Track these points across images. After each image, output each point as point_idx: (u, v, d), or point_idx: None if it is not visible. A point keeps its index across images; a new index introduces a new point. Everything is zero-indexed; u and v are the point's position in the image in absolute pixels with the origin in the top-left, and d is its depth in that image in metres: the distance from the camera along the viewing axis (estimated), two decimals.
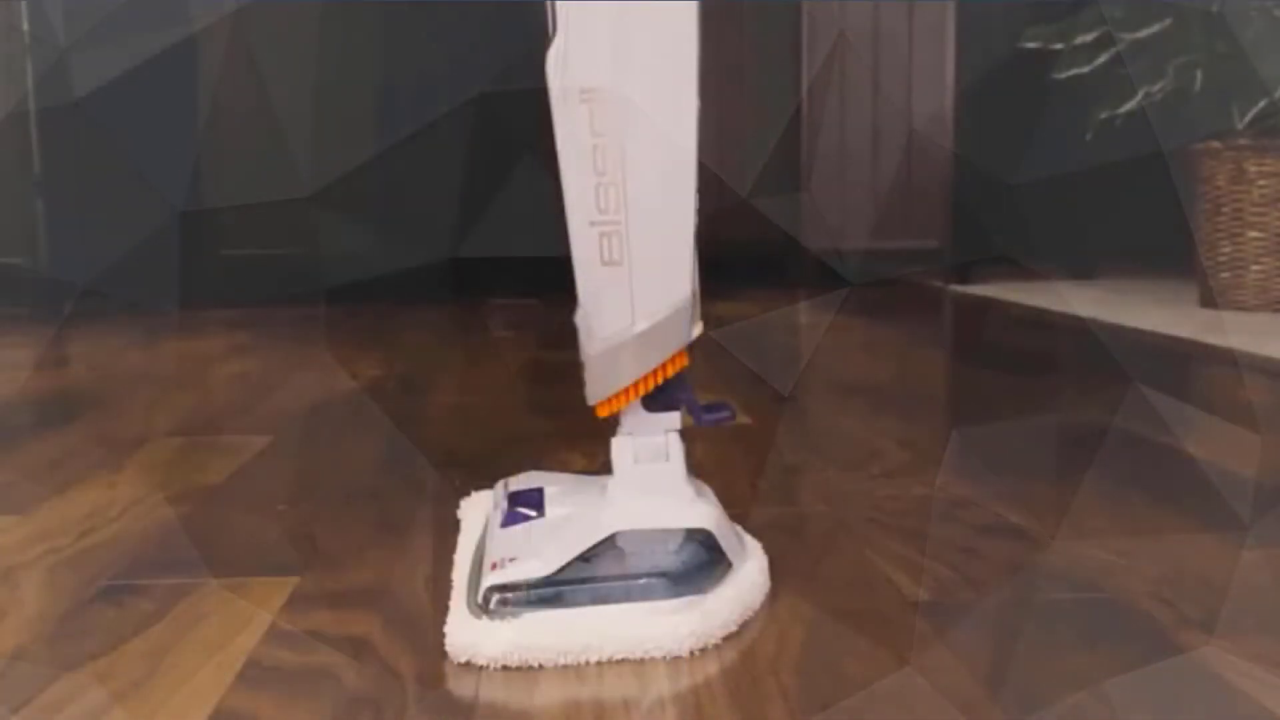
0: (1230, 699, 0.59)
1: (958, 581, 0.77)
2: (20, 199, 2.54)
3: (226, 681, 0.62)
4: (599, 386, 0.73)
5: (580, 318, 0.73)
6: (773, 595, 0.74)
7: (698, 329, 0.74)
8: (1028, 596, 0.74)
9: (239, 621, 0.70)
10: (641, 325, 0.71)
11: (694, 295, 0.73)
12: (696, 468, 1.08)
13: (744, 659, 0.64)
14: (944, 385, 1.68)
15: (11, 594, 0.76)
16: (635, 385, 0.72)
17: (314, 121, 2.79)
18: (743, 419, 1.31)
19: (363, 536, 0.88)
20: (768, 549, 0.78)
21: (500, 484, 0.84)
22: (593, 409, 0.74)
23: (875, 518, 0.91)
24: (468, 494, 0.91)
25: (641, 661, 0.64)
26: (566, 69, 0.69)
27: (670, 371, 0.73)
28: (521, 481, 0.83)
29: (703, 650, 0.66)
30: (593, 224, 0.70)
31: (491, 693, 0.61)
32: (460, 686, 0.62)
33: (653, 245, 0.71)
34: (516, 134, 1.54)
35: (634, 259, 0.70)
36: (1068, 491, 0.97)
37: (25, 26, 2.48)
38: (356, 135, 2.88)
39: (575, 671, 0.64)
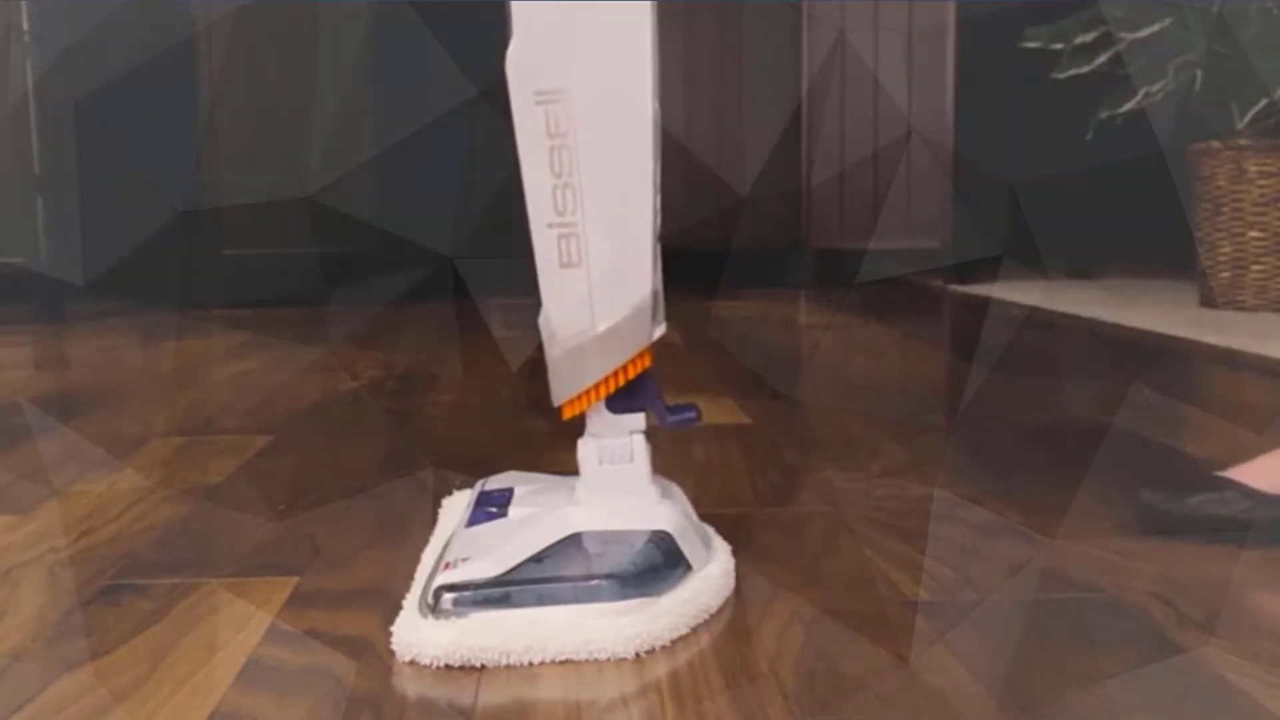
0: (1230, 699, 0.59)
1: (958, 581, 0.76)
2: (20, 199, 2.54)
3: (226, 681, 0.62)
4: (563, 387, 0.73)
5: (542, 320, 0.73)
6: (772, 595, 0.74)
7: (660, 329, 0.74)
8: (1028, 596, 0.74)
9: (239, 621, 0.70)
10: (602, 326, 0.71)
11: (656, 295, 0.73)
12: (697, 467, 1.08)
13: (744, 659, 0.64)
14: (944, 386, 1.68)
15: (11, 594, 0.76)
16: (599, 386, 0.72)
17: (314, 121, 2.79)
18: (743, 419, 1.31)
19: (363, 536, 0.88)
20: (768, 549, 0.78)
21: (479, 483, 0.85)
22: (559, 409, 0.74)
23: (875, 518, 0.91)
24: (449, 493, 0.92)
25: (640, 659, 0.64)
26: (523, 70, 0.69)
27: (633, 372, 0.73)
28: (498, 481, 0.84)
29: (649, 652, 0.65)
30: (551, 226, 0.70)
31: (491, 693, 0.61)
32: (460, 687, 0.62)
33: (610, 247, 0.70)
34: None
35: (592, 261, 0.70)
36: (1068, 491, 0.97)
37: (25, 26, 2.48)
38: (356, 135, 2.88)
39: (575, 671, 0.64)
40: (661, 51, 0.72)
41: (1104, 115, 2.35)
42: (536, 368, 0.77)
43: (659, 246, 0.72)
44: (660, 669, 0.64)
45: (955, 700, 0.59)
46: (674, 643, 0.67)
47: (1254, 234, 2.21)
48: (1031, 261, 2.93)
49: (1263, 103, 2.16)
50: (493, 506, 0.77)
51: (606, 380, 0.72)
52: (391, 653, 0.65)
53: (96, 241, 2.49)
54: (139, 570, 0.80)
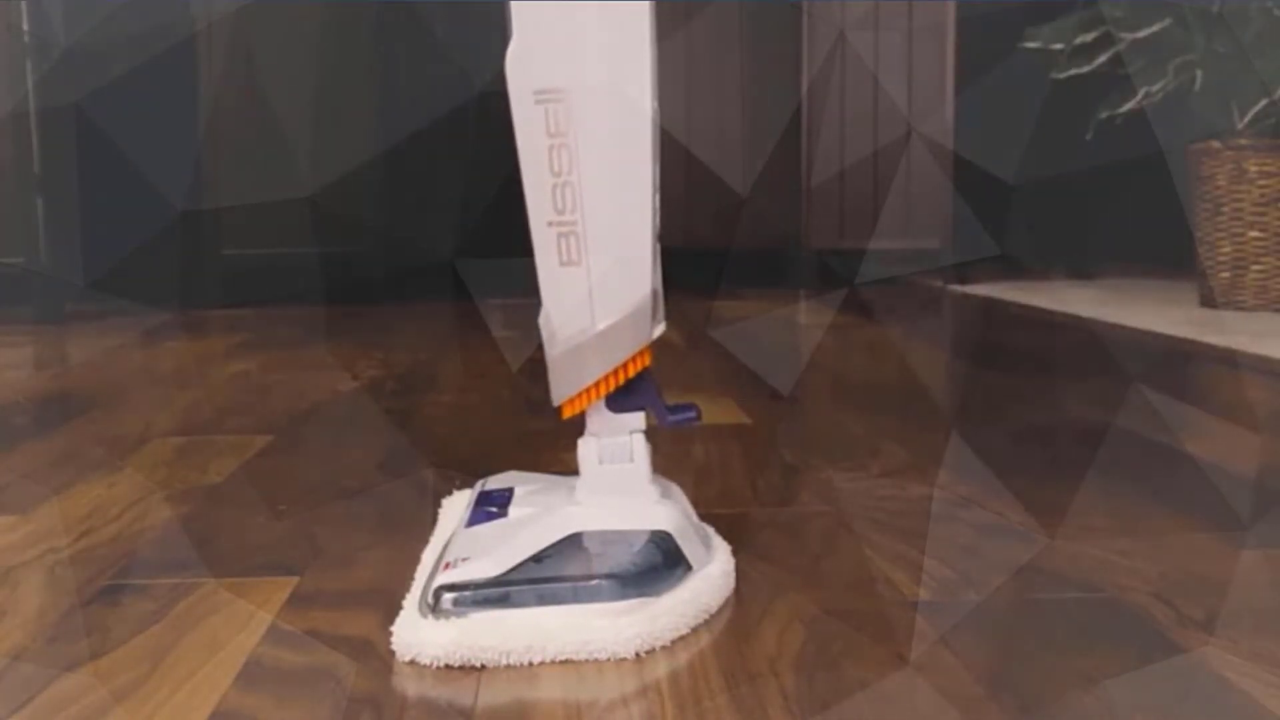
0: (1230, 699, 0.59)
1: (958, 581, 0.77)
2: (20, 199, 2.54)
3: (226, 681, 0.62)
4: (562, 386, 0.73)
5: (543, 319, 0.73)
6: (772, 595, 0.74)
7: (660, 328, 0.74)
8: (1028, 596, 0.74)
9: (239, 621, 0.70)
10: (602, 325, 0.71)
11: (655, 294, 0.73)
12: (697, 467, 1.08)
13: (744, 659, 0.64)
14: (944, 385, 1.68)
15: (11, 594, 0.76)
16: (598, 384, 0.73)
17: (314, 121, 2.79)
18: (743, 419, 1.31)
19: (363, 536, 0.88)
20: (768, 549, 0.78)
21: (479, 483, 0.85)
22: (559, 409, 0.74)
23: (875, 518, 0.91)
24: (449, 493, 0.92)
25: (640, 659, 0.65)
26: (523, 69, 0.69)
27: (632, 370, 0.73)
28: (498, 481, 0.84)
29: (649, 652, 0.65)
30: (550, 224, 0.70)
31: (491, 693, 0.61)
32: (460, 687, 0.62)
33: (610, 246, 0.71)
34: None
35: (592, 260, 0.71)
36: (1068, 491, 0.97)
37: (25, 26, 2.48)
38: (356, 135, 2.88)
39: (575, 671, 0.64)
40: (661, 51, 0.72)
41: (1104, 115, 2.35)
42: (536, 368, 0.77)
43: (659, 246, 0.72)
44: (660, 669, 0.64)
45: (955, 700, 0.59)
46: (674, 643, 0.67)
47: (1254, 234, 2.22)
48: (1031, 261, 2.93)
49: (1263, 103, 2.16)
50: (493, 506, 0.77)
51: (606, 379, 0.72)
52: (391, 653, 0.65)
53: (96, 241, 2.49)
54: (139, 570, 0.80)
